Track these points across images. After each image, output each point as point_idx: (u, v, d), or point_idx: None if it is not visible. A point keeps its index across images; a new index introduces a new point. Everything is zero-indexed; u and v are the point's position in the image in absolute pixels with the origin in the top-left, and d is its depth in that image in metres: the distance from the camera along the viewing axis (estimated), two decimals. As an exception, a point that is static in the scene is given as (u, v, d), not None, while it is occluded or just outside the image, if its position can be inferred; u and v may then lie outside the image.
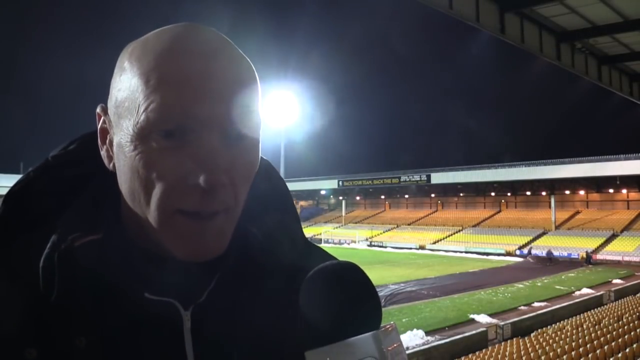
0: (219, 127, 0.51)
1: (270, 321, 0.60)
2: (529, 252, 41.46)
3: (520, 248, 44.21)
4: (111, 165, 0.57)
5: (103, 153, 0.58)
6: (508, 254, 43.88)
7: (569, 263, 37.39)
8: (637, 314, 15.23)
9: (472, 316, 18.45)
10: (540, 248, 42.88)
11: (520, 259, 40.41)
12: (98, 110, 0.58)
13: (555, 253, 39.89)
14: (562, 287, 25.33)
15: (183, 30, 0.53)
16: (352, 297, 0.56)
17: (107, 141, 0.57)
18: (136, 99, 0.51)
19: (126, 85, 0.52)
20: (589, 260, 37.25)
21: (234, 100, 0.51)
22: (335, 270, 0.59)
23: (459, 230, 55.93)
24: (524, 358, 11.12)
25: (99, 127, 0.59)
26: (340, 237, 59.12)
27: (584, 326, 14.51)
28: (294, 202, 0.73)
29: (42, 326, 0.52)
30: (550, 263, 36.85)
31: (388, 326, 0.55)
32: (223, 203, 0.52)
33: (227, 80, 0.51)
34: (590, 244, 43.38)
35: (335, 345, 0.51)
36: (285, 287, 0.61)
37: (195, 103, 0.50)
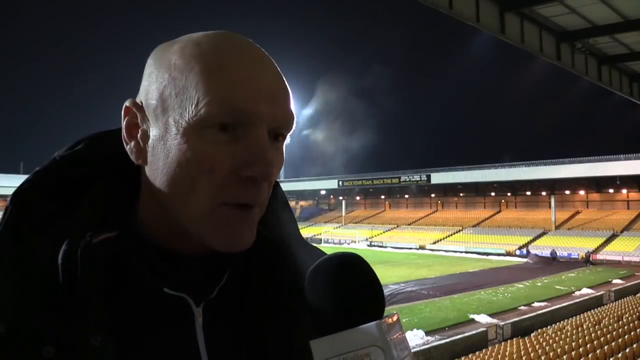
0: (268, 126, 0.55)
1: (278, 317, 0.62)
2: (528, 253, 41.31)
3: (520, 248, 44.19)
4: (140, 160, 0.58)
5: (130, 148, 0.58)
6: (508, 254, 43.84)
7: (570, 263, 37.28)
8: (637, 314, 15.23)
9: (472, 316, 18.46)
10: (540, 248, 42.86)
11: (521, 259, 40.28)
12: (128, 104, 0.59)
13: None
14: (562, 287, 25.33)
15: (231, 35, 0.56)
16: (355, 286, 0.57)
17: (138, 135, 0.58)
18: (194, 93, 0.52)
19: (180, 80, 0.54)
20: (587, 260, 37.05)
21: (283, 104, 0.56)
22: (338, 260, 0.60)
23: (459, 230, 55.89)
24: (524, 358, 11.12)
25: (125, 122, 0.59)
26: (340, 237, 59.05)
27: (584, 326, 14.51)
28: (292, 203, 0.74)
29: (59, 325, 0.52)
30: (555, 262, 36.78)
31: (391, 316, 0.55)
32: (263, 197, 0.56)
33: (279, 84, 0.56)
34: (590, 244, 43.36)
35: (339, 335, 0.52)
36: (290, 283, 0.63)
37: (253, 100, 0.53)
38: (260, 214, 0.58)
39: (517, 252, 43.04)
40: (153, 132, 0.56)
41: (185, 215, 0.55)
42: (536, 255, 39.91)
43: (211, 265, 0.60)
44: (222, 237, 0.55)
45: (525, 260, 39.96)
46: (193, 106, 0.52)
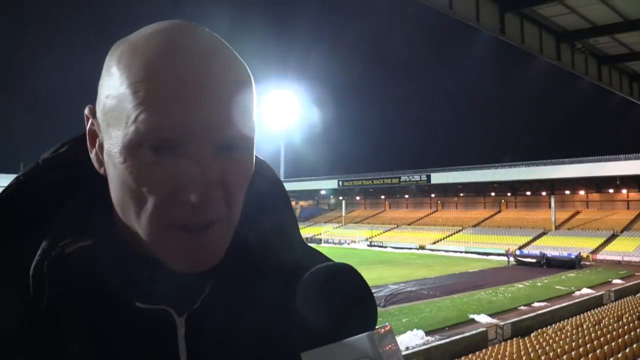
0: (210, 138, 0.49)
1: (266, 326, 0.59)
2: (508, 255, 39.77)
3: (520, 248, 44.13)
4: (102, 170, 0.55)
5: (93, 156, 0.56)
6: (513, 253, 43.78)
7: (562, 264, 36.41)
8: (637, 314, 15.22)
9: (472, 316, 18.48)
10: (540, 248, 42.79)
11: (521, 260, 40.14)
12: (86, 112, 0.56)
13: (555, 253, 39.63)
14: (562, 287, 25.35)
15: (173, 35, 0.50)
16: (347, 298, 0.56)
17: (97, 145, 0.55)
18: (125, 109, 0.48)
19: (114, 93, 0.50)
20: (579, 262, 36.04)
21: (226, 108, 0.49)
22: (330, 271, 0.59)
23: (459, 230, 55.94)
24: (524, 358, 11.13)
25: (87, 129, 0.56)
26: (340, 237, 59.10)
27: (584, 326, 14.52)
28: (292, 203, 0.72)
29: (34, 334, 0.51)
30: (544, 265, 36.00)
31: (384, 327, 0.55)
32: (216, 215, 0.51)
33: (219, 87, 0.49)
34: (590, 244, 43.38)
35: (330, 347, 0.51)
36: (281, 290, 0.60)
37: (184, 117, 0.48)
38: (227, 228, 0.53)
39: (517, 252, 42.83)
40: (105, 145, 0.53)
41: (140, 235, 0.52)
42: (511, 254, 39.08)
43: (193, 275, 0.56)
44: (178, 259, 0.51)
45: (504, 258, 39.49)
46: (126, 124, 0.48)
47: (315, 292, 0.56)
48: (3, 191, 0.59)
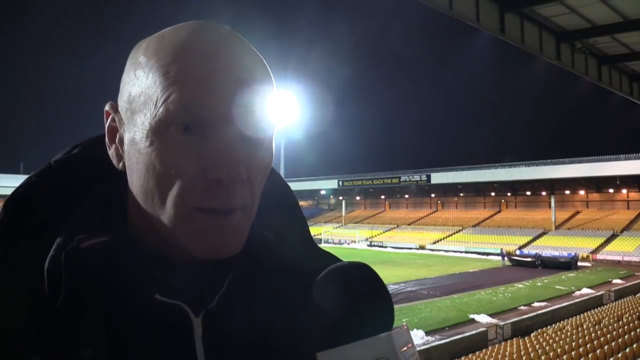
0: (237, 122, 0.51)
1: (282, 325, 0.59)
2: (502, 255, 38.77)
3: (520, 248, 44.12)
4: (120, 164, 0.56)
5: (112, 152, 0.57)
6: (508, 254, 43.79)
7: (557, 265, 35.74)
8: (637, 314, 15.22)
9: (472, 316, 18.47)
10: (540, 248, 42.79)
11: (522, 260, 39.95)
12: (107, 107, 0.57)
13: (555, 253, 39.57)
14: (562, 287, 25.34)
15: (200, 27, 0.53)
16: (364, 297, 0.56)
17: (117, 139, 0.56)
18: (154, 92, 0.50)
19: (142, 79, 0.51)
20: (575, 263, 35.51)
21: (253, 97, 0.51)
22: (347, 270, 0.59)
23: (459, 230, 55.92)
24: (524, 358, 11.12)
25: (107, 125, 0.57)
26: (340, 237, 59.07)
27: (584, 326, 14.51)
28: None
29: (47, 334, 0.50)
30: (539, 265, 35.38)
31: (401, 327, 0.55)
32: (241, 200, 0.51)
33: (247, 76, 0.52)
34: (590, 244, 43.37)
35: (348, 347, 0.51)
36: (296, 289, 0.60)
37: (215, 97, 0.49)
38: (248, 217, 0.54)
39: (518, 252, 42.81)
40: (126, 136, 0.54)
41: (161, 222, 0.52)
42: (504, 255, 38.55)
43: (210, 271, 0.57)
44: (200, 244, 0.51)
45: (498, 258, 38.84)
46: (154, 106, 0.50)
47: (332, 290, 0.56)
48: (15, 191, 0.59)
